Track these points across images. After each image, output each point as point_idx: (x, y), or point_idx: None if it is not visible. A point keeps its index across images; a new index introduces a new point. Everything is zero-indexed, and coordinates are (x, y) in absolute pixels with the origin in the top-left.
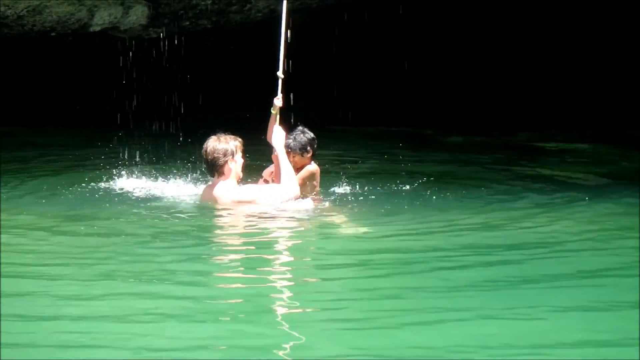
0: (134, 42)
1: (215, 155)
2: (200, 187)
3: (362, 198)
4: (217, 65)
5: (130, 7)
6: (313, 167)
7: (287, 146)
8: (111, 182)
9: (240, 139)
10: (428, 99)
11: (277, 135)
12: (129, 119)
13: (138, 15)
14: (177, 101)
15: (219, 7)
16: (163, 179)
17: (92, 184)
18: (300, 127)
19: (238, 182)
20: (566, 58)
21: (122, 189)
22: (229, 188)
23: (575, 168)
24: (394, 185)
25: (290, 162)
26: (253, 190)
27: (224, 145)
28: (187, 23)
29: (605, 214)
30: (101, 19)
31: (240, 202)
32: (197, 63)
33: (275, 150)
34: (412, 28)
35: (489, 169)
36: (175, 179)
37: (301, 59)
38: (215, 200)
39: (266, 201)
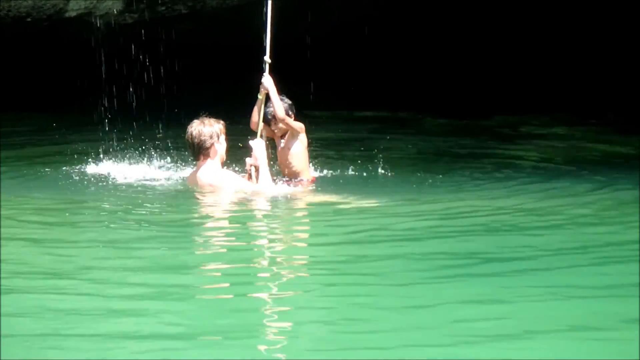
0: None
1: (202, 138)
2: (180, 171)
3: (340, 181)
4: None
5: None
6: (301, 124)
7: (270, 115)
8: (91, 167)
9: (223, 122)
10: (402, 82)
11: (257, 146)
12: (105, 106)
13: (114, 0)
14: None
15: None
16: (144, 163)
17: (73, 168)
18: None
19: (222, 165)
20: (544, 41)
21: (102, 174)
22: (214, 170)
23: (550, 151)
24: (371, 169)
25: (275, 129)
26: (237, 179)
27: (209, 128)
28: (163, 8)
29: (585, 195)
30: (77, 5)
31: (224, 184)
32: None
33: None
34: (385, 9)
35: (464, 152)
36: (156, 162)
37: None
38: (200, 183)
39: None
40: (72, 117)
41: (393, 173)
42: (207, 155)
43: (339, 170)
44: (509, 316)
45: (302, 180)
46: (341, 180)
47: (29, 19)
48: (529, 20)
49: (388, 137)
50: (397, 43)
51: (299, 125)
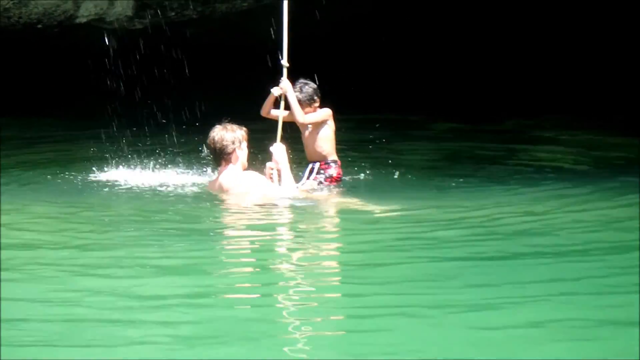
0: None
1: (224, 143)
2: (197, 176)
3: (352, 185)
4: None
5: None
6: (328, 109)
7: (302, 100)
8: (106, 173)
9: (245, 128)
10: (414, 86)
11: (278, 150)
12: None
13: (124, 6)
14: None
15: None
16: (162, 169)
17: (88, 175)
18: (301, 80)
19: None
20: (552, 46)
21: (118, 180)
22: (236, 175)
23: (563, 155)
24: (387, 173)
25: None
26: (261, 182)
27: (232, 133)
28: (173, 14)
29: (598, 199)
30: (87, 11)
31: (247, 188)
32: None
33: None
34: (396, 13)
35: (476, 156)
36: (174, 168)
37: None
38: (222, 188)
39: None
40: (84, 122)
41: (411, 177)
42: (228, 161)
43: (356, 174)
44: (545, 323)
45: (330, 164)
46: (361, 184)
47: (39, 25)
48: (540, 23)
49: (400, 141)
50: (406, 45)
51: (325, 114)
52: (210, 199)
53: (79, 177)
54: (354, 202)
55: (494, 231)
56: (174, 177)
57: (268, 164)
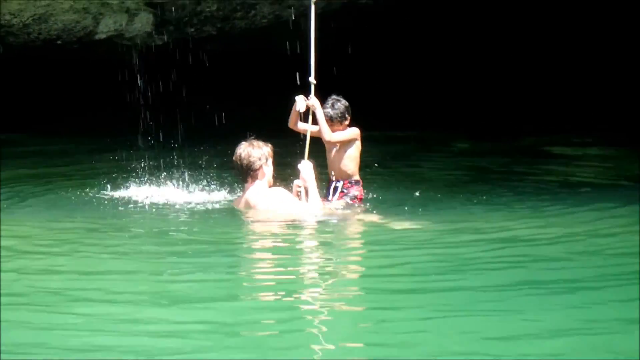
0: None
1: (251, 159)
2: (219, 193)
3: (376, 202)
4: (223, 70)
5: (135, 15)
6: (356, 129)
7: (327, 116)
8: (127, 190)
9: (270, 145)
10: (434, 103)
11: (305, 168)
12: (138, 127)
13: (143, 22)
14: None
15: (224, 13)
16: (181, 186)
17: (107, 192)
18: (333, 96)
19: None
20: (571, 62)
21: (137, 197)
22: (263, 191)
23: (582, 171)
24: (405, 190)
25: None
26: (288, 199)
27: (258, 150)
28: (192, 30)
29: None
30: (106, 27)
31: (273, 204)
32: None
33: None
34: (418, 30)
35: (497, 174)
36: (197, 184)
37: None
38: (248, 205)
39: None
40: (106, 138)
41: (434, 194)
42: (255, 177)
43: (378, 191)
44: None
45: (353, 183)
46: (383, 201)
47: (59, 42)
48: (559, 41)
49: (420, 158)
50: (425, 62)
51: (354, 133)
52: (237, 215)
53: (100, 194)
54: (379, 220)
55: (515, 253)
56: (198, 194)
57: (295, 182)
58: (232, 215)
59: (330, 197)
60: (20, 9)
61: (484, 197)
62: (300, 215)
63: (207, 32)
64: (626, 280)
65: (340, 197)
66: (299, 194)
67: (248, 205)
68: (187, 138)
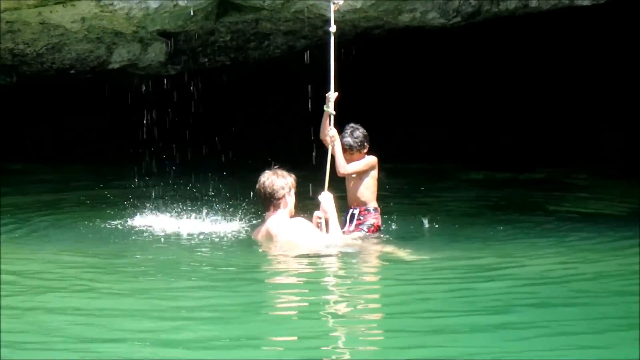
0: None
1: (274, 188)
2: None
3: (393, 233)
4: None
5: (148, 44)
6: (373, 157)
7: (346, 144)
8: (137, 220)
9: (294, 175)
10: (447, 135)
11: (326, 199)
12: (148, 156)
13: (156, 52)
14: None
15: (238, 43)
16: (195, 216)
17: (118, 222)
18: (352, 124)
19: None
20: (588, 94)
21: (150, 227)
22: (285, 221)
23: (597, 204)
24: (420, 221)
25: (348, 159)
26: (308, 229)
27: (282, 179)
28: (206, 60)
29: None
30: (120, 56)
31: (294, 234)
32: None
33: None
34: (431, 63)
35: (511, 205)
36: (207, 214)
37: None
38: (270, 234)
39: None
40: (117, 168)
41: (453, 225)
42: (277, 206)
43: (397, 221)
44: None
45: (370, 211)
46: (401, 231)
47: (72, 71)
48: (578, 74)
49: (435, 190)
50: (440, 95)
51: (368, 163)
52: (255, 246)
53: (113, 224)
54: (398, 253)
55: (530, 287)
56: (210, 225)
57: (316, 213)
58: (249, 246)
59: (347, 225)
60: (34, 38)
61: (500, 228)
62: (320, 246)
63: (221, 62)
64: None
65: (357, 225)
66: (320, 224)
67: (269, 235)
68: (196, 168)
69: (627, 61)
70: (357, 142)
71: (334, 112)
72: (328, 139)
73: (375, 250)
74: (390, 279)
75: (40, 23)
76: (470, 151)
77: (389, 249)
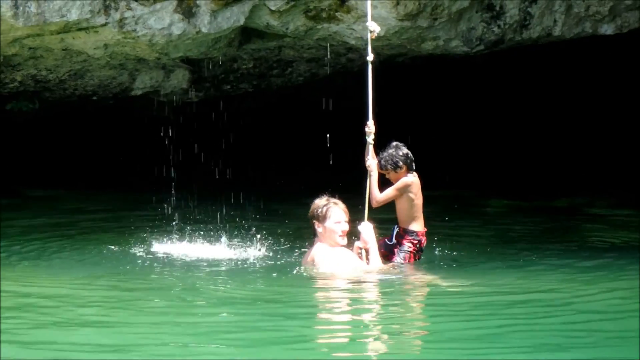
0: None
1: (309, 214)
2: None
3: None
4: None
5: (171, 71)
6: (408, 178)
7: (380, 164)
8: (160, 247)
9: (340, 204)
10: (467, 163)
11: (366, 229)
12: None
13: (179, 79)
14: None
15: (260, 70)
16: (219, 243)
17: (142, 248)
18: (394, 143)
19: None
20: (616, 120)
21: (180, 255)
22: (322, 249)
23: (616, 234)
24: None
25: (386, 180)
26: (346, 256)
27: (314, 207)
28: (228, 87)
29: None
30: (142, 83)
31: (332, 264)
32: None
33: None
34: (447, 91)
35: (529, 234)
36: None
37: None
38: (313, 262)
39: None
40: (140, 195)
41: (477, 253)
42: (315, 234)
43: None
44: None
45: (408, 234)
46: (430, 260)
47: (95, 97)
48: (601, 101)
49: (455, 218)
50: (456, 121)
51: (398, 188)
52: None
53: (137, 251)
54: (434, 281)
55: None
56: (227, 250)
57: (356, 243)
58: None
59: (392, 239)
60: (56, 65)
61: (534, 257)
62: (359, 276)
63: (244, 89)
64: None
65: (396, 245)
66: (360, 254)
67: (313, 263)
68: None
69: None
70: (387, 162)
71: (373, 142)
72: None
73: (414, 279)
74: (434, 307)
75: (63, 49)
76: (492, 178)
77: (427, 278)
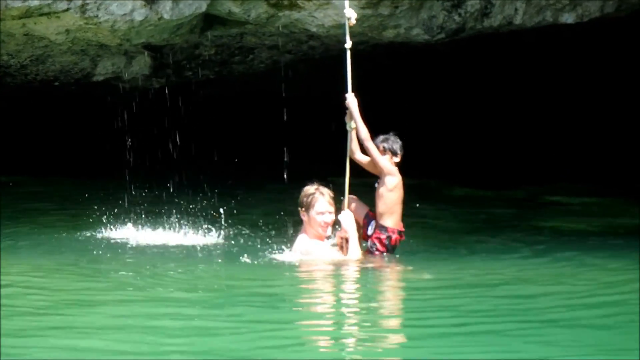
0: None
1: (298, 201)
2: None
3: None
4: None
5: (133, 57)
6: (393, 167)
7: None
8: (119, 232)
9: (327, 195)
10: (431, 151)
11: (345, 219)
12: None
13: (141, 65)
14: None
15: (222, 57)
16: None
17: (93, 234)
18: (391, 133)
19: (319, 238)
20: (576, 110)
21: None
22: (299, 239)
23: (578, 221)
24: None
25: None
26: (317, 247)
27: (302, 194)
28: (190, 73)
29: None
30: (104, 69)
31: (302, 254)
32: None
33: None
34: (411, 79)
35: (492, 223)
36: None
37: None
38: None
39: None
40: (99, 182)
41: (426, 244)
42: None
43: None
44: None
45: (382, 228)
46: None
47: (56, 83)
48: (566, 90)
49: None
50: (424, 110)
51: (385, 165)
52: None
53: (93, 236)
54: (405, 272)
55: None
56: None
57: (337, 233)
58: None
59: (369, 230)
60: (18, 50)
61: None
62: (332, 266)
63: (205, 76)
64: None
65: (373, 239)
66: (342, 244)
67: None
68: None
69: (613, 79)
70: (379, 139)
71: (354, 127)
72: (355, 151)
73: (392, 269)
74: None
75: (25, 34)
76: (454, 167)
77: (402, 268)
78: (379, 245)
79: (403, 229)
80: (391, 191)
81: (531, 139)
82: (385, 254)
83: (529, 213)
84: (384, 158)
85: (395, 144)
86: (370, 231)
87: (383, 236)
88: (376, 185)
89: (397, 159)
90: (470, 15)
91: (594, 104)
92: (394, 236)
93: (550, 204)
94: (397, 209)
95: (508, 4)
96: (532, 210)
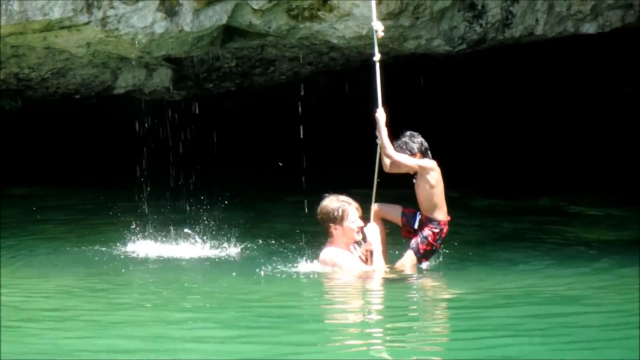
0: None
1: (322, 216)
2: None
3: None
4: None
5: (154, 70)
6: (427, 162)
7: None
8: (139, 246)
9: (353, 203)
10: (452, 163)
11: (371, 231)
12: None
13: (162, 77)
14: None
15: (243, 69)
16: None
17: (115, 245)
18: (408, 132)
19: (351, 246)
20: (597, 120)
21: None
22: (328, 250)
23: (600, 232)
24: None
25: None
26: (348, 261)
27: (328, 210)
28: (211, 85)
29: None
30: (125, 81)
31: (333, 265)
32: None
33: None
34: (432, 91)
35: (514, 233)
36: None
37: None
38: (324, 262)
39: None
40: (120, 193)
41: (469, 254)
42: (330, 235)
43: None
44: None
45: (430, 222)
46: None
47: (77, 96)
48: (586, 101)
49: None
50: (444, 121)
51: (416, 163)
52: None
53: (115, 248)
54: (432, 283)
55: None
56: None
57: (363, 245)
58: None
59: (415, 225)
60: (39, 63)
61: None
62: (358, 278)
63: (226, 88)
64: None
65: (421, 230)
66: (367, 255)
67: (324, 262)
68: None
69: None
70: (402, 147)
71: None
72: (388, 165)
73: (413, 281)
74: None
75: (45, 48)
76: (477, 178)
77: (428, 281)
78: (430, 238)
79: (450, 219)
80: (434, 187)
81: (551, 148)
82: (434, 246)
83: (555, 223)
84: (415, 160)
85: (418, 143)
86: (416, 225)
87: (436, 229)
88: (414, 181)
89: (429, 155)
90: (492, 26)
91: (616, 114)
92: (445, 228)
93: (575, 214)
94: (443, 202)
95: (529, 15)
96: (558, 220)
